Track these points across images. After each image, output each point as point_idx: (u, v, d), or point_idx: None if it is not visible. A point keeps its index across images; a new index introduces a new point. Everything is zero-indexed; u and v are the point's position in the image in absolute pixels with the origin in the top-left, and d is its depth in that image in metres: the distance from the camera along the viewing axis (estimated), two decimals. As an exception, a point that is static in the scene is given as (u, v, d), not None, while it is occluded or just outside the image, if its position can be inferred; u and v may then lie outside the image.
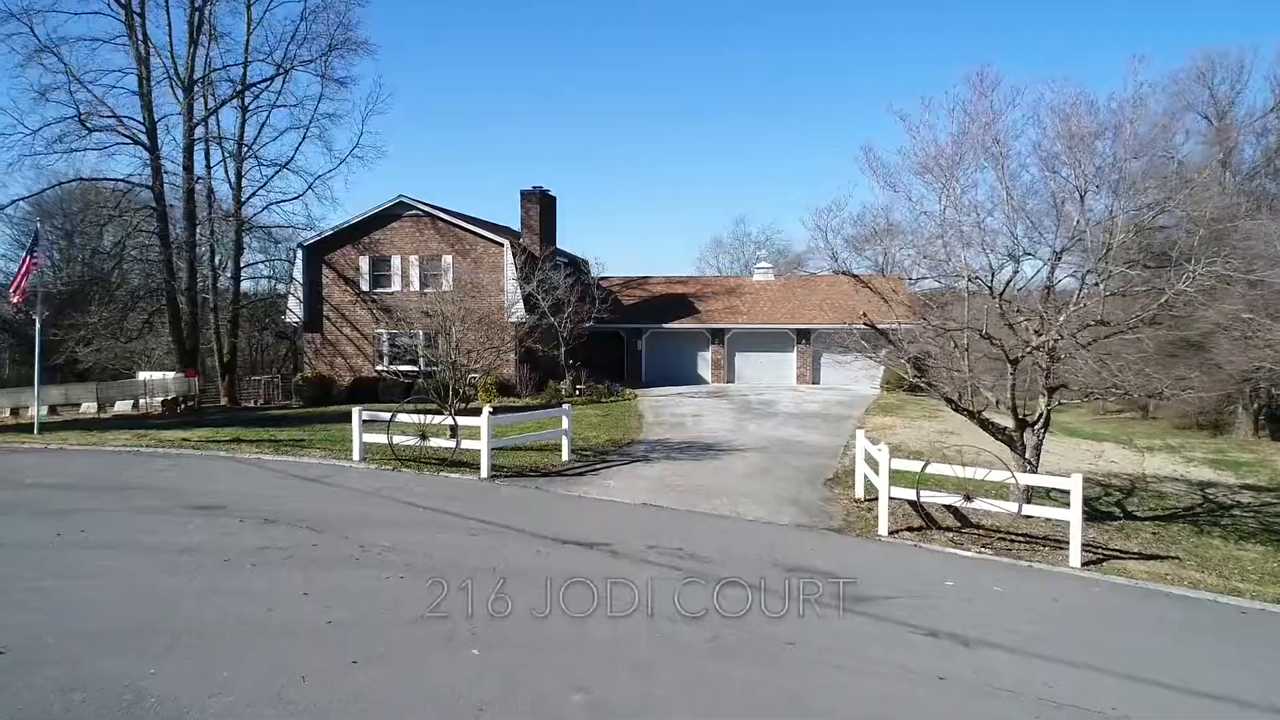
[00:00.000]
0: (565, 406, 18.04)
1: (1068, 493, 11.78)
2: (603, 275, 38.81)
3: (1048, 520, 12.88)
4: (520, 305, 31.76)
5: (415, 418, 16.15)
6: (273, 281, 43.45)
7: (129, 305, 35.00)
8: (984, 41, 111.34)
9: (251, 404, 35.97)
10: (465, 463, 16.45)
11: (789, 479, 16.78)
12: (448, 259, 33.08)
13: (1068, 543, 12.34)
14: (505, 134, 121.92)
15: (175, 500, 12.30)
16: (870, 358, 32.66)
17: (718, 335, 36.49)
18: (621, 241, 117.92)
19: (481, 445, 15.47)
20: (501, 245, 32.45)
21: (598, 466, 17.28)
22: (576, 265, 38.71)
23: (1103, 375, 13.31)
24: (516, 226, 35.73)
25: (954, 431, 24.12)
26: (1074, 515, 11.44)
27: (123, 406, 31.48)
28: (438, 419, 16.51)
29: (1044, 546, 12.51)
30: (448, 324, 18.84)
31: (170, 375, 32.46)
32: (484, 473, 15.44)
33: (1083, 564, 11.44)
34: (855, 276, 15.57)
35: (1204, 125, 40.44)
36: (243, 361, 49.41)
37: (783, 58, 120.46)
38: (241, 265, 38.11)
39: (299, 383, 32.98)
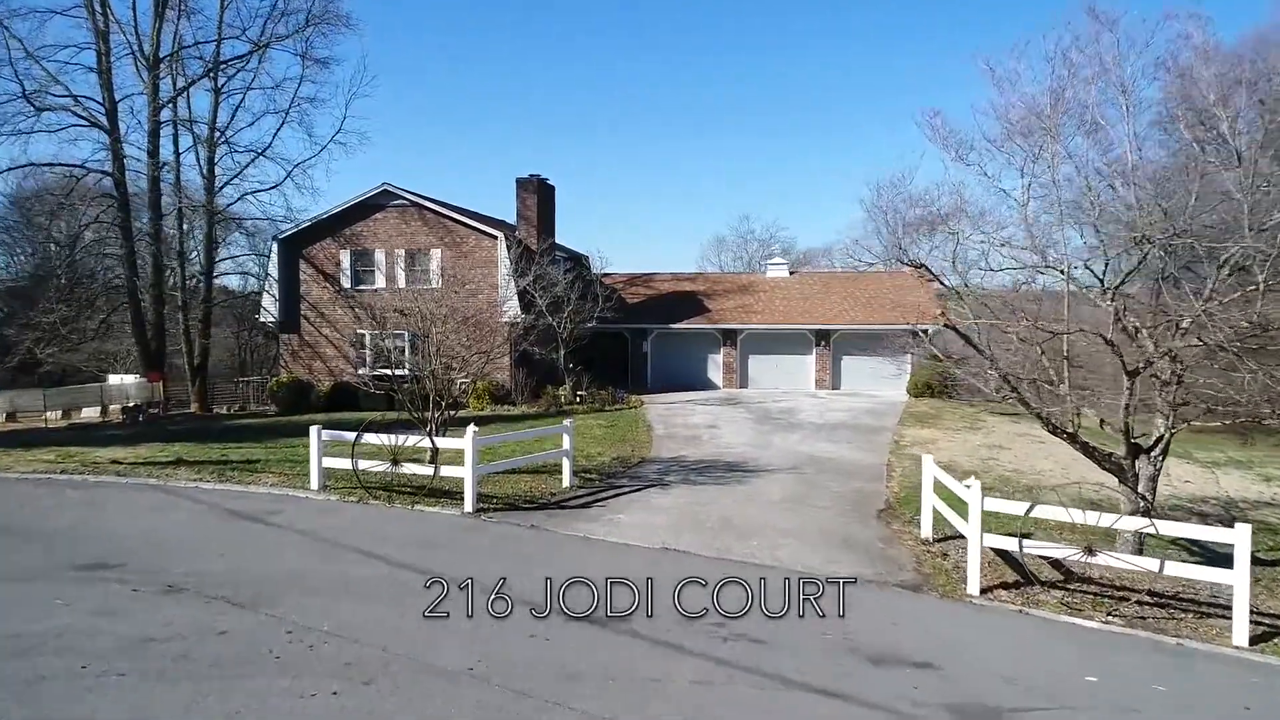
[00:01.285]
0: (566, 423, 15.29)
1: (1202, 543, 9.10)
2: (605, 272, 36.08)
3: (1174, 576, 10.15)
4: (515, 304, 29.01)
5: (386, 438, 13.37)
6: (259, 277, 40.59)
7: (87, 302, 32.15)
8: (993, 38, 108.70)
9: (225, 410, 33.22)
10: (447, 492, 13.71)
11: (833, 509, 14.05)
12: (436, 253, 30.33)
13: (1210, 604, 9.63)
14: (500, 127, 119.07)
15: (60, 555, 9.54)
16: (913, 363, 29.70)
17: (729, 336, 33.76)
18: (621, 240, 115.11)
19: (465, 473, 12.73)
20: (495, 238, 29.70)
21: (604, 494, 14.55)
22: (577, 261, 35.96)
23: (1235, 391, 10.58)
24: (513, 222, 32.94)
25: (1003, 446, 21.42)
26: (1239, 578, 8.70)
27: (90, 413, 28.80)
28: (413, 439, 13.73)
29: (1182, 611, 9.77)
30: (427, 325, 16.08)
31: (132, 380, 29.66)
32: (468, 505, 12.70)
33: (1251, 640, 8.70)
34: (923, 269, 12.66)
35: None
36: (230, 363, 46.75)
37: (786, 56, 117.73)
38: (215, 259, 35.29)
39: (274, 388, 30.21)
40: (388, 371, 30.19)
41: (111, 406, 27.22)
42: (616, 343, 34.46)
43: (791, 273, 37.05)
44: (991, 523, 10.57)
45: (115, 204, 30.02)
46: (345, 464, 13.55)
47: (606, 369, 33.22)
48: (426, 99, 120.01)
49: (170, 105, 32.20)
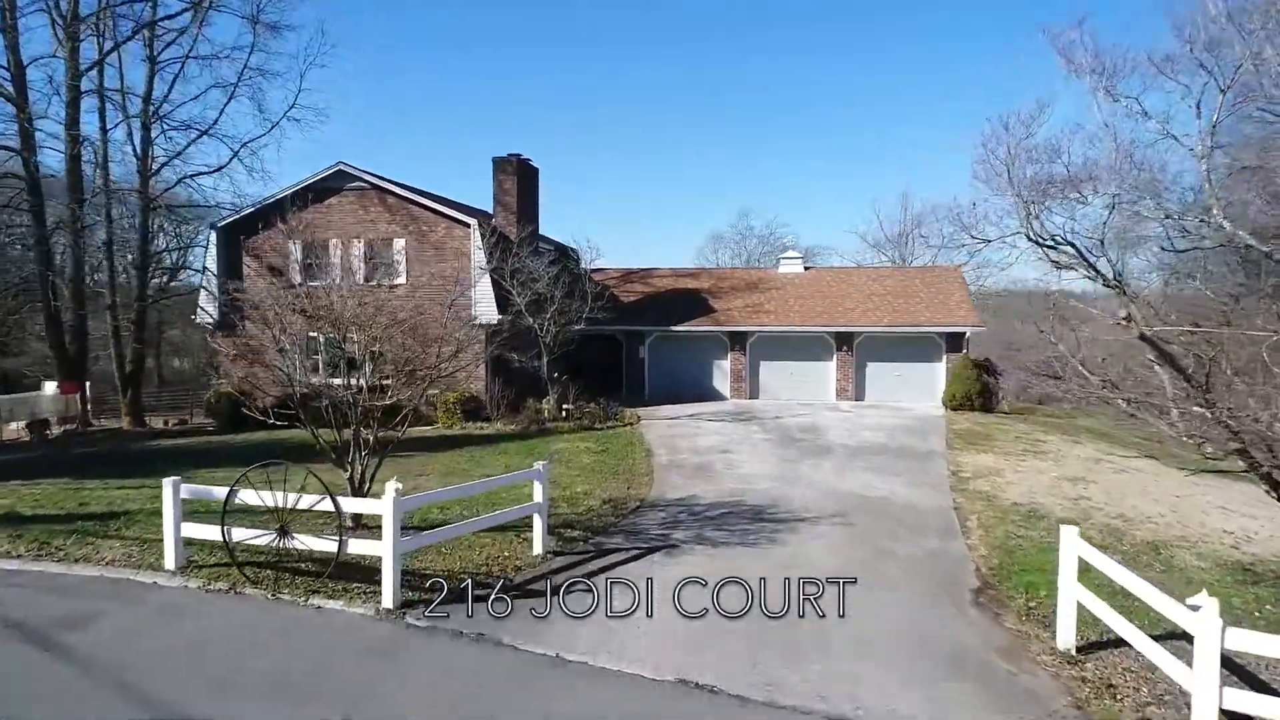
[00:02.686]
0: (538, 468, 11.10)
1: None
2: (596, 267, 31.94)
3: None
4: (491, 302, 24.86)
5: (272, 496, 9.16)
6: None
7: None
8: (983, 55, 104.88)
9: (163, 425, 29.01)
10: (364, 569, 9.57)
11: (910, 590, 9.98)
12: (400, 243, 26.16)
13: None
14: (481, 115, 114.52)
15: None
16: (947, 372, 25.76)
17: (738, 340, 29.65)
18: (613, 240, 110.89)
19: (384, 550, 8.61)
20: (468, 226, 25.56)
21: (591, 564, 10.46)
22: (565, 254, 31.84)
23: None
24: (492, 211, 28.73)
25: (1084, 477, 17.37)
26: None
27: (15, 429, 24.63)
28: (314, 501, 9.54)
29: None
30: (344, 329, 11.99)
31: (46, 390, 25.43)
32: (388, 598, 8.60)
33: None
34: (1066, 250, 8.54)
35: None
36: (189, 373, 42.51)
37: (784, 56, 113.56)
38: (151, 252, 31.00)
39: (211, 400, 26.02)
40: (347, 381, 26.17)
41: (11, 425, 22.98)
42: (609, 347, 30.32)
43: (807, 268, 32.92)
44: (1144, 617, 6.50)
45: (25, 187, 25.77)
46: (215, 534, 9.40)
47: (598, 377, 29.10)
48: (403, 84, 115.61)
49: (97, 73, 27.97)
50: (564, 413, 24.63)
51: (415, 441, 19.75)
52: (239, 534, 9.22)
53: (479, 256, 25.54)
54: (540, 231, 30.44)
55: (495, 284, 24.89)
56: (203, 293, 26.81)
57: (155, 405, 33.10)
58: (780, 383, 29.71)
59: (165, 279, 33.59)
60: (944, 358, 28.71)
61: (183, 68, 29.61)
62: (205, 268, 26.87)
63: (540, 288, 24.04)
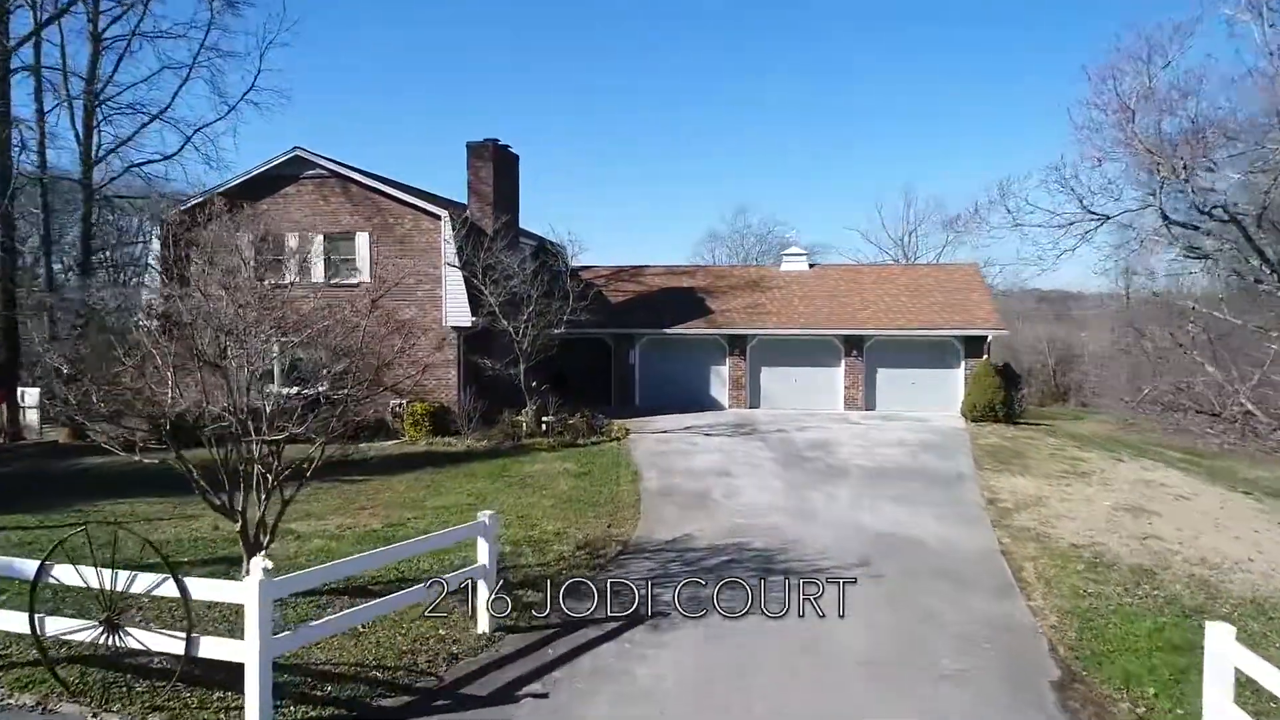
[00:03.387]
0: (483, 520, 8.50)
1: None
2: (582, 264, 29.44)
3: None
4: (464, 302, 22.35)
5: (107, 574, 6.59)
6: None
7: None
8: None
9: (104, 440, 26.38)
10: (233, 672, 7.03)
11: (978, 690, 7.47)
12: (363, 237, 23.62)
13: None
14: (461, 104, 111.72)
15: None
16: (966, 378, 24.00)
17: (737, 344, 27.13)
18: (606, 236, 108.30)
19: (249, 657, 6.07)
20: (438, 218, 23.03)
21: (551, 649, 7.95)
22: (546, 250, 29.35)
23: None
24: (466, 203, 26.13)
25: (1144, 508, 14.88)
26: None
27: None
28: (143, 582, 6.95)
29: None
30: (235, 336, 9.53)
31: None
32: (254, 723, 6.05)
33: None
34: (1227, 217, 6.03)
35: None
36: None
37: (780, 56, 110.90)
38: (94, 251, 28.40)
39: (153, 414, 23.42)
40: (307, 392, 23.70)
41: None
42: (596, 351, 27.77)
43: (812, 266, 30.36)
44: None
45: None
46: (37, 621, 6.85)
47: (585, 384, 26.60)
48: (378, 69, 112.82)
49: (33, 48, 25.39)
50: (543, 426, 22.10)
51: (371, 462, 17.23)
52: (59, 625, 6.67)
53: (449, 252, 23.02)
54: (522, 225, 27.93)
55: (468, 281, 22.35)
56: (144, 291, 24.23)
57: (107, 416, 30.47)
58: (784, 390, 27.21)
59: (113, 277, 30.97)
60: (963, 363, 26.23)
61: (129, 45, 27.04)
62: (149, 265, 24.32)
63: (515, 285, 21.50)
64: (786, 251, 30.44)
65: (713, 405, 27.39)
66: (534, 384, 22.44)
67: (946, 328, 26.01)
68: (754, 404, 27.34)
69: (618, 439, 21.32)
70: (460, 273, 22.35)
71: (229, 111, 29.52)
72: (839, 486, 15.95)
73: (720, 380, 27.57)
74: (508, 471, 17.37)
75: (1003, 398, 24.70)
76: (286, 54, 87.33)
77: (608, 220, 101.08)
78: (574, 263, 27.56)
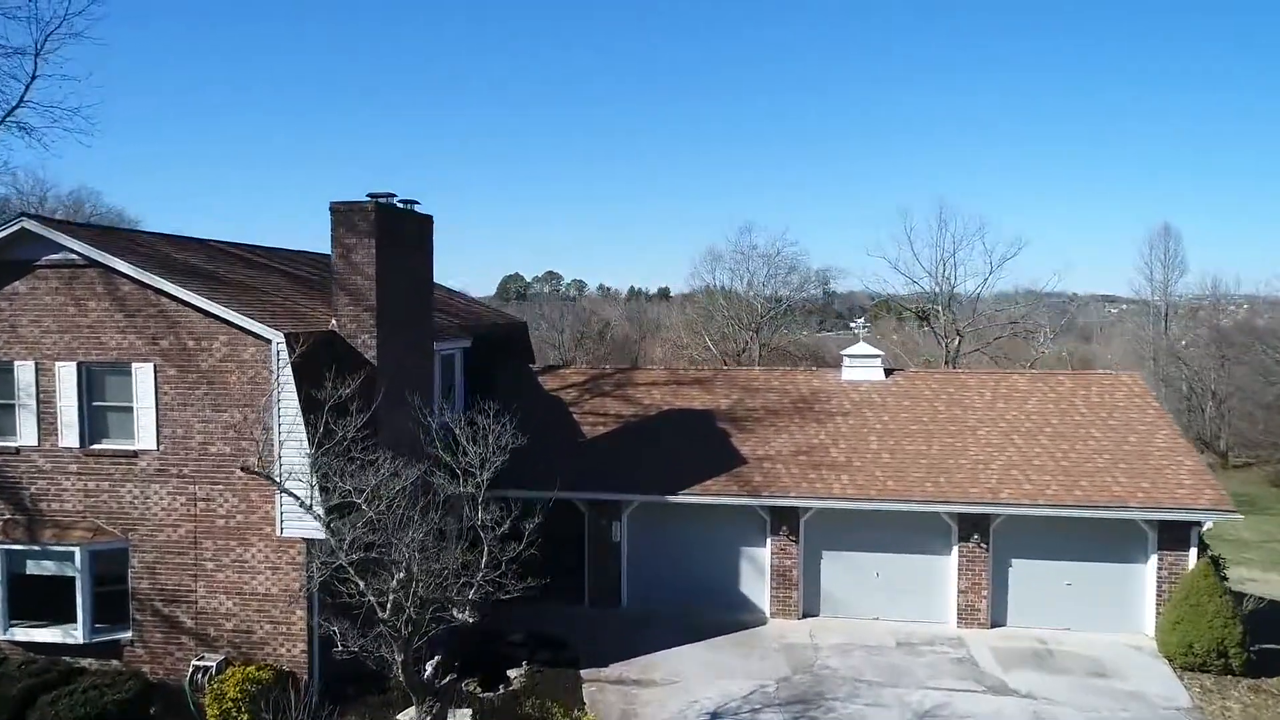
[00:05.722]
0: None
1: None
2: (547, 365, 19.41)
3: None
4: (313, 494, 12.21)
5: None
6: None
7: None
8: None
9: None
10: None
11: None
12: (145, 371, 13.60)
13: None
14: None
15: None
16: (1163, 584, 12.78)
17: (784, 517, 17.10)
18: (599, 255, 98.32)
19: None
20: (268, 343, 12.98)
21: None
22: (483, 348, 19.48)
23: None
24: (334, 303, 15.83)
25: None
26: None
27: None
28: None
29: None
30: None
31: None
32: None
33: None
34: None
35: None
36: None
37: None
38: None
39: None
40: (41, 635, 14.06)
41: None
42: (562, 520, 17.60)
43: (889, 372, 20.25)
44: None
45: None
46: None
47: (547, 564, 16.50)
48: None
49: None
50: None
51: None
52: None
53: (288, 401, 13.00)
54: (455, 287, 17.93)
55: (320, 455, 12.24)
56: None
57: None
58: (858, 590, 17.17)
59: None
60: (1154, 557, 16.19)
61: None
62: None
63: (391, 491, 11.28)
64: (850, 352, 20.25)
65: (744, 606, 17.33)
66: (427, 632, 12.14)
67: (1130, 506, 15.91)
68: (809, 609, 17.27)
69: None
70: (307, 438, 12.24)
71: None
72: None
73: (757, 571, 17.47)
74: None
75: (1237, 635, 14.67)
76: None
77: (601, 241, 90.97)
78: (538, 358, 17.48)
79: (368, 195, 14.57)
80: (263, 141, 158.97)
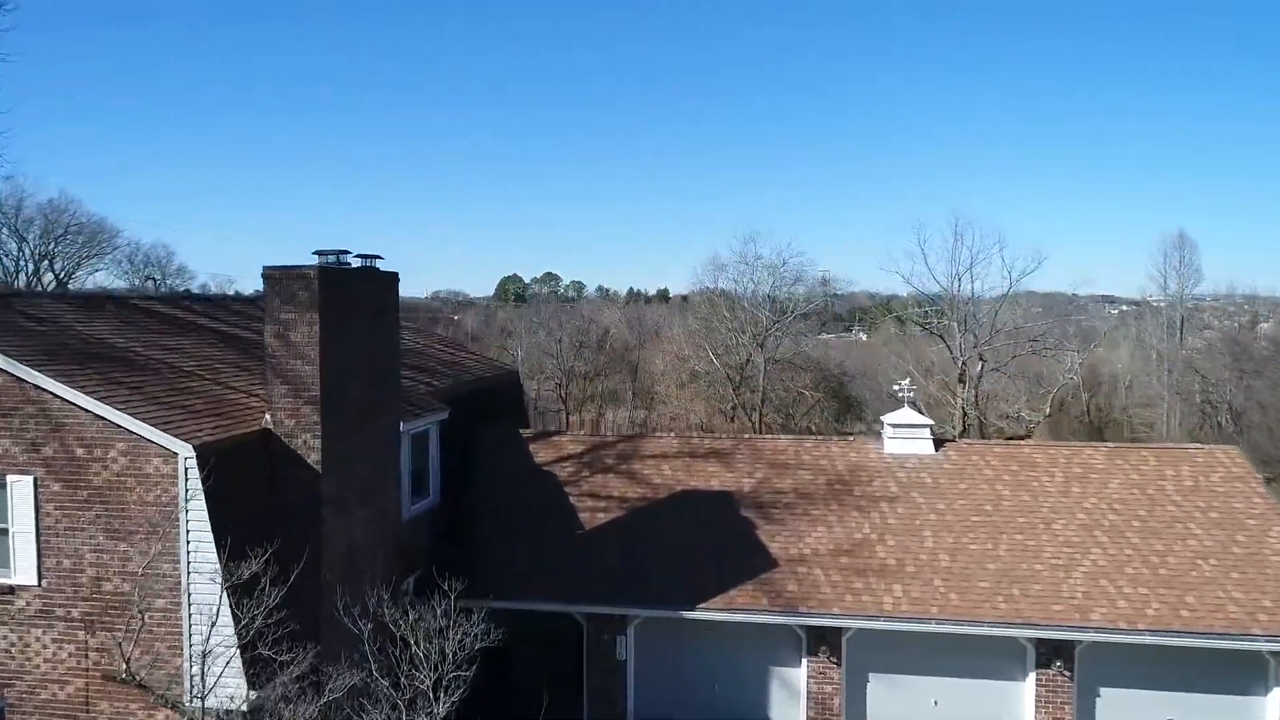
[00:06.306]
0: None
1: None
2: (539, 431, 16.49)
3: None
4: (232, 644, 9.28)
5: None
6: None
7: None
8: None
9: None
10: None
11: None
12: (21, 486, 10.68)
13: None
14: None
15: None
16: None
17: (824, 635, 14.21)
18: (599, 260, 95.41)
19: None
20: (173, 456, 10.06)
21: None
22: (461, 427, 16.64)
23: None
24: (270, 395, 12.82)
25: None
26: None
27: None
28: None
29: None
30: None
31: None
32: None
33: None
34: None
35: None
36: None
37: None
38: None
39: None
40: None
41: None
42: (558, 632, 14.71)
43: (939, 443, 17.29)
44: None
45: None
46: None
47: (540, 685, 13.67)
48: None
49: None
50: None
51: None
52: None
53: (197, 533, 10.13)
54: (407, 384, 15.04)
55: (238, 602, 9.39)
56: None
57: None
58: (910, 722, 14.26)
59: None
60: (1277, 690, 13.29)
61: None
62: None
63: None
64: (893, 420, 17.30)
65: (774, 744, 14.40)
66: None
67: (1255, 635, 13.01)
68: (853, 745, 14.36)
69: None
70: (219, 579, 9.35)
71: None
72: None
73: (791, 696, 14.55)
74: None
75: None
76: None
77: (601, 244, 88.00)
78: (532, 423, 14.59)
79: (314, 253, 11.66)
80: (263, 141, 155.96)
